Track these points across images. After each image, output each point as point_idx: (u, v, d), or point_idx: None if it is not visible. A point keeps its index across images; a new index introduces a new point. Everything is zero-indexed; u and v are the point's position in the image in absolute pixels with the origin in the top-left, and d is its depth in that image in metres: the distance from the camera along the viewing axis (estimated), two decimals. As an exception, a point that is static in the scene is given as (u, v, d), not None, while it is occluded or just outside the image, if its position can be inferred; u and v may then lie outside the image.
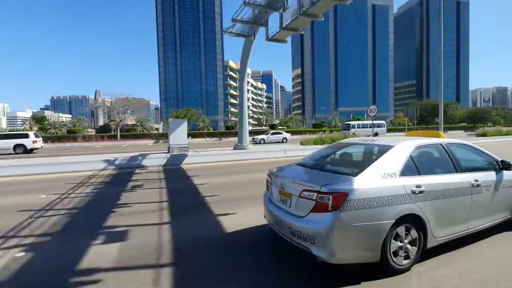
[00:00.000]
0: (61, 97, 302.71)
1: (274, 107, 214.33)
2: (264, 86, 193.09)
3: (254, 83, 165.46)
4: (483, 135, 24.36)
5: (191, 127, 52.42)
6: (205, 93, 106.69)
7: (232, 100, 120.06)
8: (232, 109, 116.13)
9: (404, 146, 3.13)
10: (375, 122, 36.71)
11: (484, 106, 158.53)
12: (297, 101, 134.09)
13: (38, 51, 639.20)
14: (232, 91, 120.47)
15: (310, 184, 2.77)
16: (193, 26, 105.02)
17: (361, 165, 3.01)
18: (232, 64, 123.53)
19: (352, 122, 37.90)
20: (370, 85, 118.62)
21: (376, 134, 32.39)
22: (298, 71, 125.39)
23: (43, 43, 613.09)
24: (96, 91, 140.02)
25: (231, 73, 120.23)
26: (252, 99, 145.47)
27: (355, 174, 2.74)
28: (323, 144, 17.03)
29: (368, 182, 2.67)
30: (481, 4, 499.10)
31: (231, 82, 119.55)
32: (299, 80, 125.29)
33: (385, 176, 2.77)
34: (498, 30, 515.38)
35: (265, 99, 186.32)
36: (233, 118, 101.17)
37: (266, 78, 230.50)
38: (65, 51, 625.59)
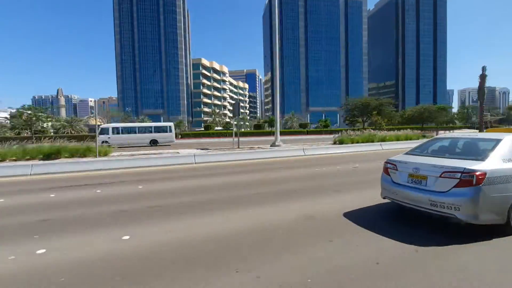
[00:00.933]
0: (43, 97, 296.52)
1: (258, 106, 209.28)
2: (247, 86, 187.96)
3: (235, 82, 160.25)
4: (370, 140, 18.93)
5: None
6: (166, 92, 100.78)
7: (206, 100, 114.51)
8: (206, 109, 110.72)
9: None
10: (156, 124, 31.07)
11: (472, 105, 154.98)
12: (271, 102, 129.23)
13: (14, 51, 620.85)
14: (206, 90, 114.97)
15: (451, 167, 3.81)
16: (152, 21, 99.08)
17: (477, 153, 4.17)
18: (205, 62, 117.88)
19: (109, 125, 26.97)
20: (343, 83, 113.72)
21: (155, 142, 27.04)
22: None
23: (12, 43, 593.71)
24: (58, 90, 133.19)
25: (204, 71, 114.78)
26: (231, 98, 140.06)
27: (483, 159, 3.84)
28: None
29: (495, 165, 3.73)
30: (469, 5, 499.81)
31: (205, 80, 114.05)
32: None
33: (504, 160, 3.85)
34: (491, 31, 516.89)
35: (247, 99, 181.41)
36: (206, 118, 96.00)
37: (250, 77, 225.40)
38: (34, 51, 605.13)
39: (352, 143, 18.32)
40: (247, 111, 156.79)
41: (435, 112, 45.26)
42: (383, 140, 19.54)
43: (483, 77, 28.24)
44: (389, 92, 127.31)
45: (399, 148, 16.61)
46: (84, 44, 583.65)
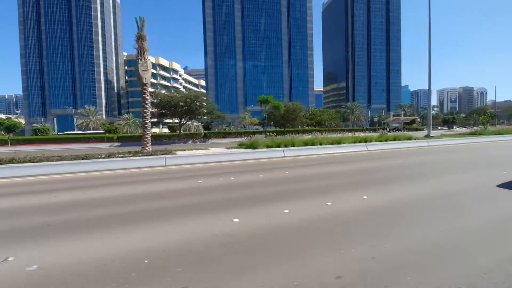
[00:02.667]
0: (6, 97, 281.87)
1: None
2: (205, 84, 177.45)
3: (196, 81, 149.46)
4: None
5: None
6: (79, 90, 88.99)
7: (134, 99, 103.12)
8: (133, 109, 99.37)
9: None
10: None
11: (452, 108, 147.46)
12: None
13: None
14: (134, 89, 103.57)
15: None
16: (60, 8, 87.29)
17: None
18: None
19: None
20: (286, 80, 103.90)
21: None
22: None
23: None
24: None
25: (133, 68, 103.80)
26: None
27: None
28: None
29: None
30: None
31: (133, 78, 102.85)
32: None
33: None
34: (471, 31, 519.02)
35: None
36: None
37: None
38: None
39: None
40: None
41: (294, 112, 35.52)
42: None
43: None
44: (344, 93, 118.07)
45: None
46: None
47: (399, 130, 43.01)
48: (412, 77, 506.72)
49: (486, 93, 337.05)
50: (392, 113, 68.52)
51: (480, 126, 29.22)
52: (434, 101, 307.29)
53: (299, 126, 43.27)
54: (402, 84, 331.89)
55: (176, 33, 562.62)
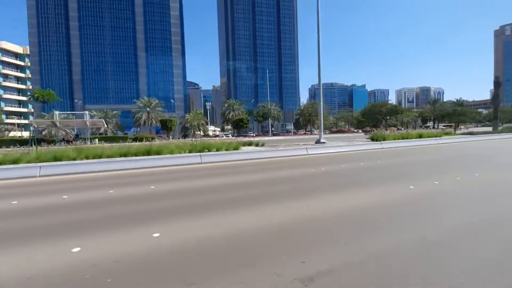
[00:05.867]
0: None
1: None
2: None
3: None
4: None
5: None
6: None
7: (8, 95, 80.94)
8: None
9: None
10: None
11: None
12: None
13: None
14: (7, 83, 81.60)
15: None
16: None
17: None
18: (7, 46, 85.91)
19: None
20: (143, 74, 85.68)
21: None
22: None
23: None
24: None
25: (5, 58, 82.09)
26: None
27: None
28: None
29: None
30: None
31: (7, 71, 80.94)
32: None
33: None
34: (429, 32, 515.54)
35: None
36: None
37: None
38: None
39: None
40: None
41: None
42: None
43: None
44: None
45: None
46: None
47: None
48: (368, 77, 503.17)
49: (443, 93, 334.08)
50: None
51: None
52: (394, 100, 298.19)
53: None
54: (359, 84, 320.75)
55: None
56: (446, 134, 25.11)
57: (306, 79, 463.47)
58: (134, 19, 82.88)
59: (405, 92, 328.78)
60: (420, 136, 22.08)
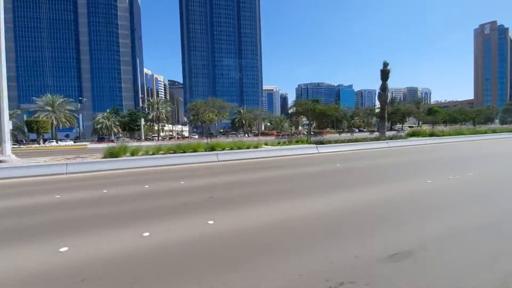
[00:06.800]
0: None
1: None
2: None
3: None
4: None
5: None
6: None
7: None
8: None
9: None
10: None
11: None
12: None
13: None
14: None
15: None
16: None
17: None
18: None
19: None
20: (87, 71, 79.64)
21: None
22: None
23: None
24: None
25: None
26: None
27: None
28: None
29: None
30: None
31: None
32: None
33: None
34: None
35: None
36: None
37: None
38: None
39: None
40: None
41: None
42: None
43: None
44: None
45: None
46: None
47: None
48: (356, 77, 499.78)
49: (430, 93, 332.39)
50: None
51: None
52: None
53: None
54: (346, 84, 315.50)
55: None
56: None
57: (297, 79, 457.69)
58: (76, 10, 76.87)
59: (392, 92, 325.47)
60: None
